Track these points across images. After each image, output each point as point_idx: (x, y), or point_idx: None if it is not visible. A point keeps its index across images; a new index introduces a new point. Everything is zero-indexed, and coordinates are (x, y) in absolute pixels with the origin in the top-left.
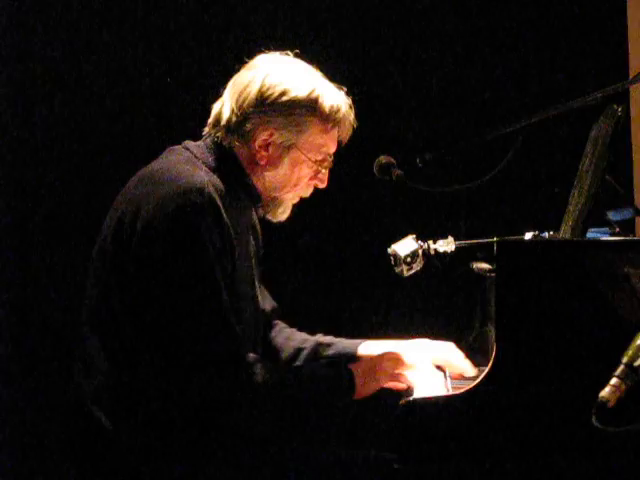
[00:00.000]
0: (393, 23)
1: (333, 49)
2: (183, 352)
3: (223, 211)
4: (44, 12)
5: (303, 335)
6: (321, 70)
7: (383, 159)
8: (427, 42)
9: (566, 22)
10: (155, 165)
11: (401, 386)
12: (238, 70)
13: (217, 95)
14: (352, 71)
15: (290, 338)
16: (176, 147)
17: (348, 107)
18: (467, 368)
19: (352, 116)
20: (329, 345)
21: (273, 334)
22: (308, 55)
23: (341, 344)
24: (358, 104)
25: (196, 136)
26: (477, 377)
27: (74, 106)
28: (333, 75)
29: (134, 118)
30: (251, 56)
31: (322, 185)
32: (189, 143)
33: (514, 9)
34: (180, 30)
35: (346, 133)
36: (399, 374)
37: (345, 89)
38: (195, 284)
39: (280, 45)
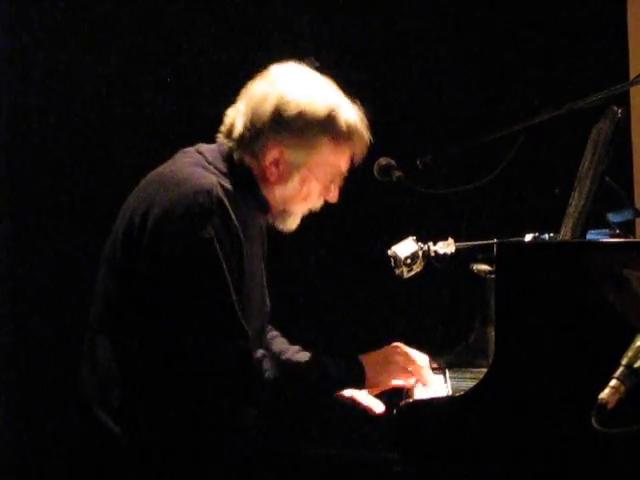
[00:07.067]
0: (394, 25)
1: (333, 51)
2: (192, 351)
3: (232, 213)
4: (47, 13)
5: (282, 345)
6: (321, 73)
7: (383, 161)
8: (427, 43)
9: (566, 23)
10: (166, 167)
11: (410, 383)
12: (251, 75)
13: (230, 97)
14: (352, 72)
15: (270, 345)
16: (189, 149)
17: (363, 126)
18: (372, 405)
19: (367, 134)
20: None
21: None
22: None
23: None
24: (358, 105)
25: (208, 139)
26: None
27: (87, 108)
28: (333, 77)
29: (147, 120)
30: (261, 57)
31: (332, 200)
32: (202, 146)
33: (514, 10)
34: (193, 31)
35: (361, 151)
36: (410, 369)
37: (358, 102)
38: (204, 284)
39: (285, 48)
